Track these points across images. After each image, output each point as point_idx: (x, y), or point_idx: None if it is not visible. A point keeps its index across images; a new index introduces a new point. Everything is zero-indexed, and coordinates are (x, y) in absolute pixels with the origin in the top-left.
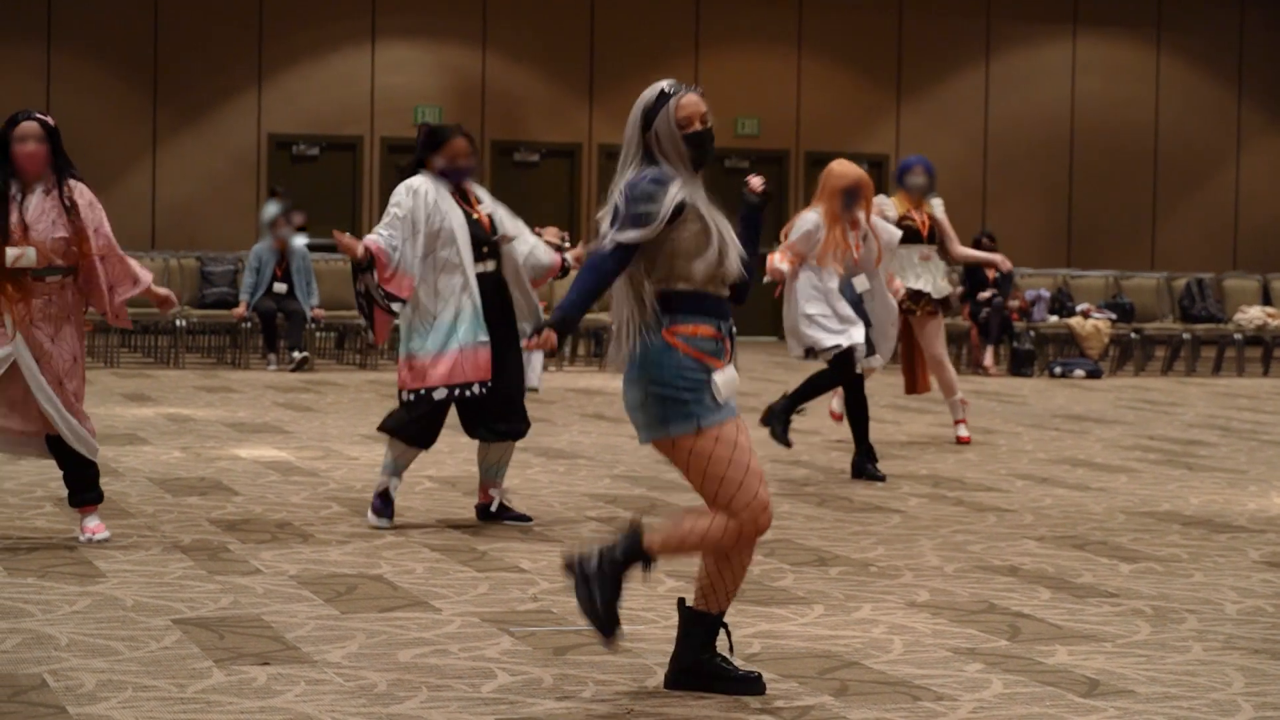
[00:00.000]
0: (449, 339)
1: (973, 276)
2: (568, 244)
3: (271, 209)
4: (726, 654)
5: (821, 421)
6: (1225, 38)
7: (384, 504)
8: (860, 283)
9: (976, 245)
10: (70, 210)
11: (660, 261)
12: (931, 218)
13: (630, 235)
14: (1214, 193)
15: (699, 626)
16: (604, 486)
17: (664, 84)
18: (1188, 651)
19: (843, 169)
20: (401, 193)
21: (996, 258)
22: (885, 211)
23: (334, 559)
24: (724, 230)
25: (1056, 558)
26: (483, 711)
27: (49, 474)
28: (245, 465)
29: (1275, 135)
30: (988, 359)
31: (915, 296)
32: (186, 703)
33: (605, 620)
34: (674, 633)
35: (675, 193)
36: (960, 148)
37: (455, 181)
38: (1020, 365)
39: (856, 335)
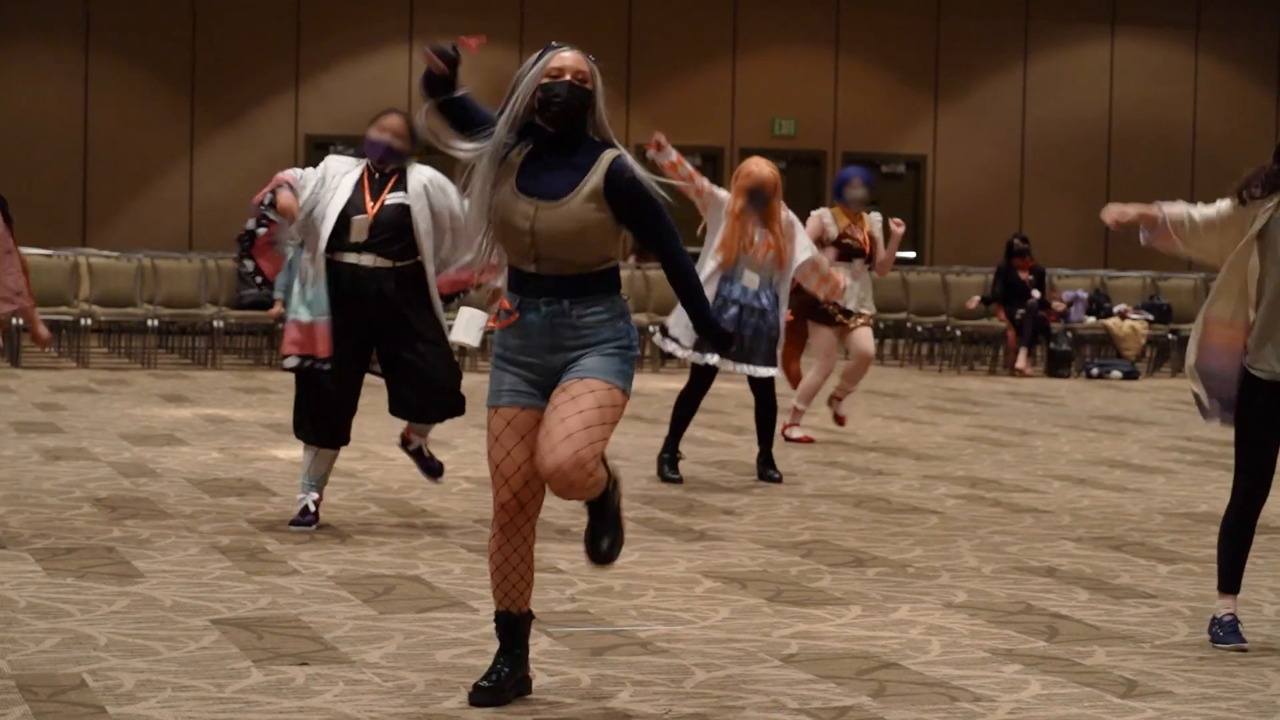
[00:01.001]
0: (299, 308)
1: (1006, 282)
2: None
3: None
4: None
5: (857, 424)
6: (1264, 39)
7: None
8: (750, 280)
9: (1009, 248)
10: None
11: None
12: (871, 235)
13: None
14: None
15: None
16: (640, 488)
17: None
18: (1226, 653)
19: (751, 168)
20: (320, 165)
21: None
22: (827, 227)
23: (372, 559)
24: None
25: (1094, 559)
26: (521, 711)
27: (87, 475)
28: (283, 466)
29: None
30: (1021, 360)
31: (846, 312)
32: (225, 703)
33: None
34: (713, 634)
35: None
36: (997, 149)
37: (372, 157)
38: (1057, 366)
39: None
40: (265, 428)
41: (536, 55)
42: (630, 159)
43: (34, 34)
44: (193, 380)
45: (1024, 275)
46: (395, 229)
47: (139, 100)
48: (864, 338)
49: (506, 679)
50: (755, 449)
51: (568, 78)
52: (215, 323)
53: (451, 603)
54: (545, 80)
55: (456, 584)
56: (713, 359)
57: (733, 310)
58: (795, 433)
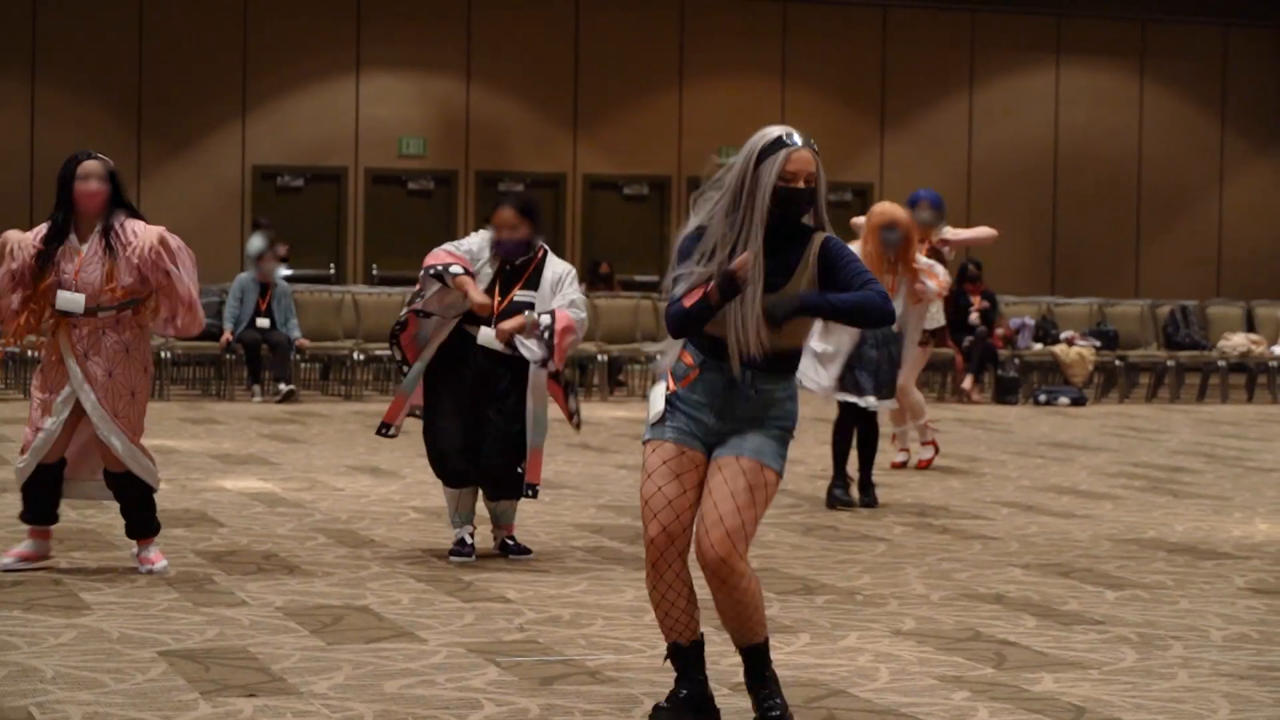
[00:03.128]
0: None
1: (956, 305)
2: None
3: (257, 242)
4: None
5: (806, 451)
6: (1208, 66)
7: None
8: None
9: (963, 274)
10: (113, 252)
11: None
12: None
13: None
14: (1198, 220)
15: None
16: (589, 517)
17: (783, 130)
18: (1174, 678)
19: (882, 208)
20: (452, 245)
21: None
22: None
23: (320, 590)
24: (748, 298)
25: (1042, 585)
26: None
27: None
28: (231, 497)
29: (1258, 163)
30: (967, 383)
31: (931, 332)
32: None
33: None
34: (659, 662)
35: (702, 271)
36: (944, 177)
37: (503, 255)
38: (1005, 393)
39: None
40: (213, 459)
41: (767, 146)
42: (837, 239)
43: None
44: None
45: (975, 300)
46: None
47: (86, 131)
48: (915, 364)
49: (685, 701)
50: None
51: (802, 184)
52: (163, 354)
53: (400, 633)
54: (782, 185)
55: (405, 614)
56: (843, 396)
57: (872, 350)
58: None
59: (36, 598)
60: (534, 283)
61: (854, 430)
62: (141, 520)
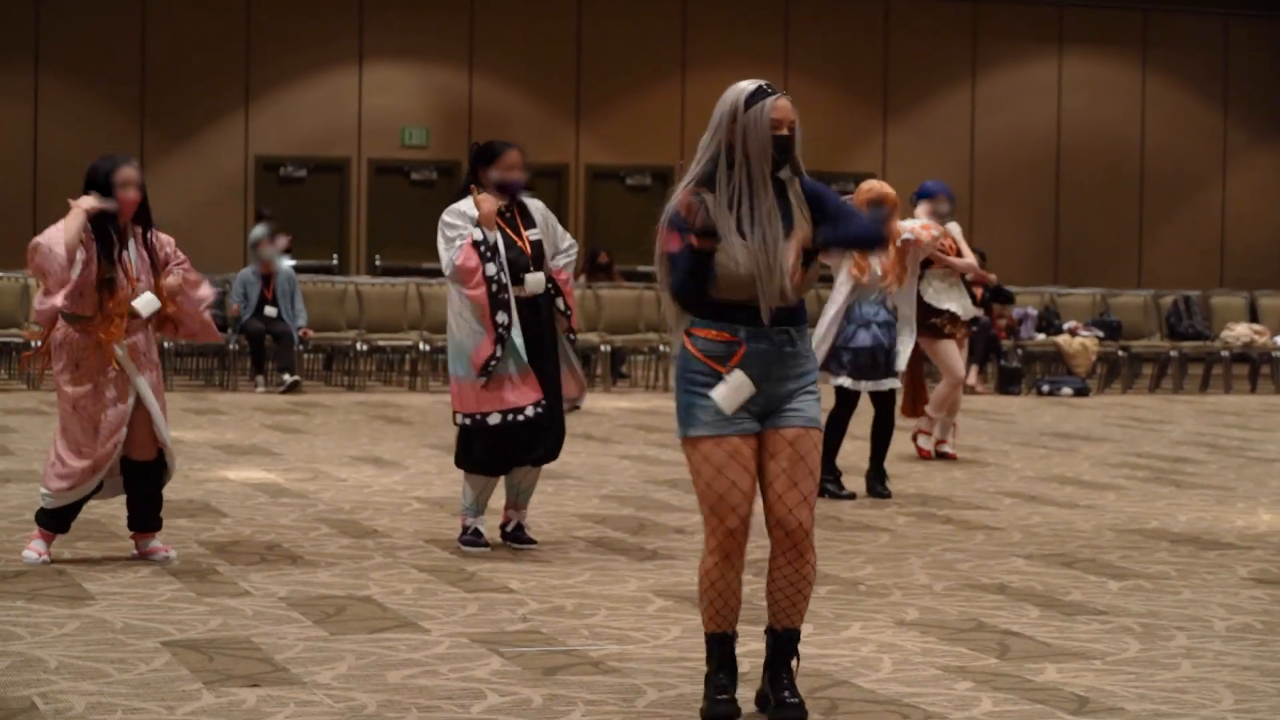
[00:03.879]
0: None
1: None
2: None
3: (259, 231)
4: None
5: None
6: (1210, 56)
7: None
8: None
9: None
10: (154, 256)
11: None
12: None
13: (666, 251)
14: (1200, 210)
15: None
16: (593, 507)
17: (760, 82)
18: (1177, 669)
19: (869, 185)
20: (451, 217)
21: (989, 277)
22: (957, 236)
23: (323, 580)
24: (770, 245)
25: (1045, 575)
26: None
27: (35, 499)
28: (234, 487)
29: (1261, 152)
30: (972, 377)
31: (952, 318)
32: None
33: (710, 705)
34: (665, 653)
35: (699, 221)
36: (946, 167)
37: (510, 194)
38: (1008, 383)
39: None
40: (216, 449)
41: (750, 97)
42: (809, 179)
43: None
44: None
45: (978, 291)
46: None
47: (88, 123)
48: (956, 355)
49: (730, 687)
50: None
51: (787, 130)
52: (166, 344)
53: (403, 623)
54: (773, 134)
55: (408, 604)
56: (841, 381)
57: (863, 332)
58: (925, 442)
59: (40, 588)
60: (531, 221)
61: (848, 418)
62: (152, 511)
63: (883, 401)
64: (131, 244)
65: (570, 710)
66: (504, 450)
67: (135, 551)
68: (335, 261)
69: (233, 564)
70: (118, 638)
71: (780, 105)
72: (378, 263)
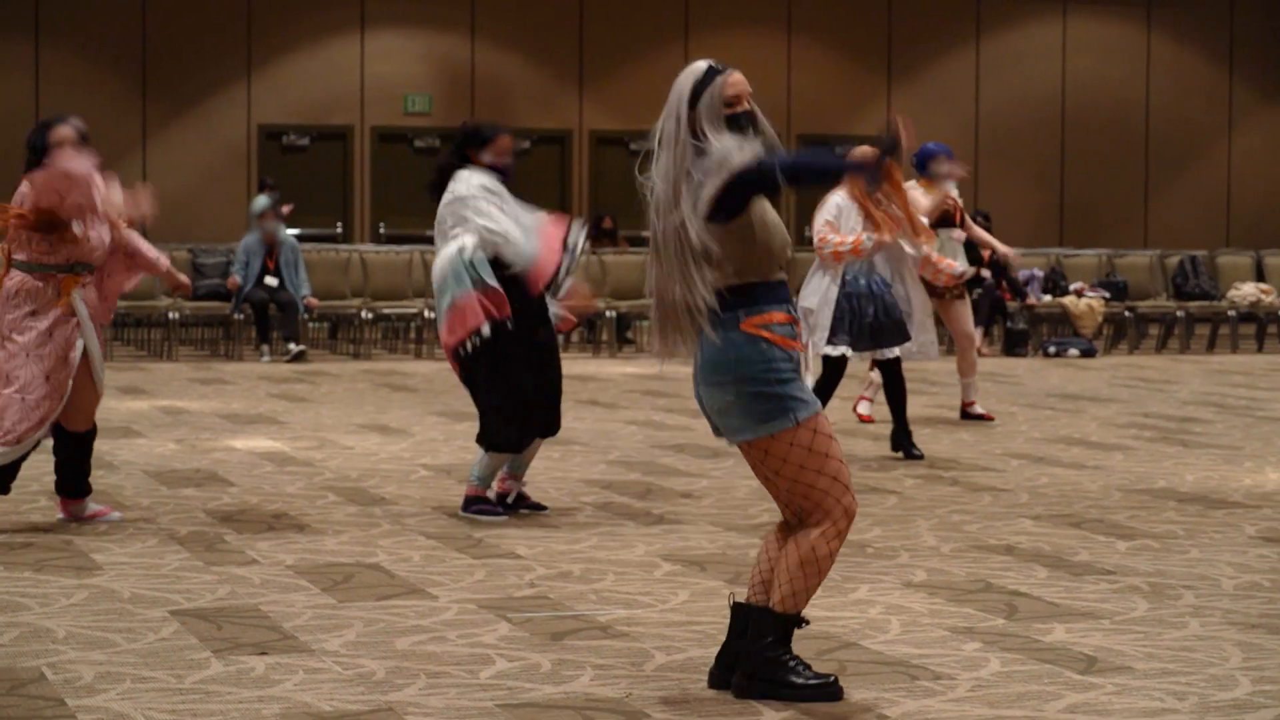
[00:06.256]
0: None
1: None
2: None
3: (262, 201)
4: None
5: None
6: (1215, 15)
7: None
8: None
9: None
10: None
11: (735, 253)
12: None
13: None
14: (1206, 170)
15: (778, 628)
16: (599, 472)
17: (709, 61)
18: (1185, 627)
19: (862, 150)
20: (473, 190)
21: (999, 246)
22: (919, 198)
23: (330, 548)
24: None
25: (1053, 536)
26: (481, 698)
27: (44, 468)
28: (240, 456)
29: (1266, 112)
30: (978, 339)
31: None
32: (185, 693)
33: (825, 688)
34: (672, 617)
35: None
36: (952, 129)
37: (504, 178)
38: (1014, 345)
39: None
40: (222, 418)
41: (699, 81)
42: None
43: None
44: (149, 372)
45: (986, 254)
46: None
47: (91, 92)
48: (963, 317)
49: None
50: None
51: (745, 105)
52: (171, 314)
53: (411, 590)
54: (729, 113)
55: (415, 571)
56: (841, 350)
57: (866, 302)
58: (979, 409)
59: (47, 559)
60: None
61: (835, 387)
62: (84, 476)
63: (889, 367)
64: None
65: (579, 675)
66: (534, 424)
67: (62, 515)
68: (339, 230)
69: (240, 533)
70: (126, 607)
71: (733, 82)
72: (382, 230)
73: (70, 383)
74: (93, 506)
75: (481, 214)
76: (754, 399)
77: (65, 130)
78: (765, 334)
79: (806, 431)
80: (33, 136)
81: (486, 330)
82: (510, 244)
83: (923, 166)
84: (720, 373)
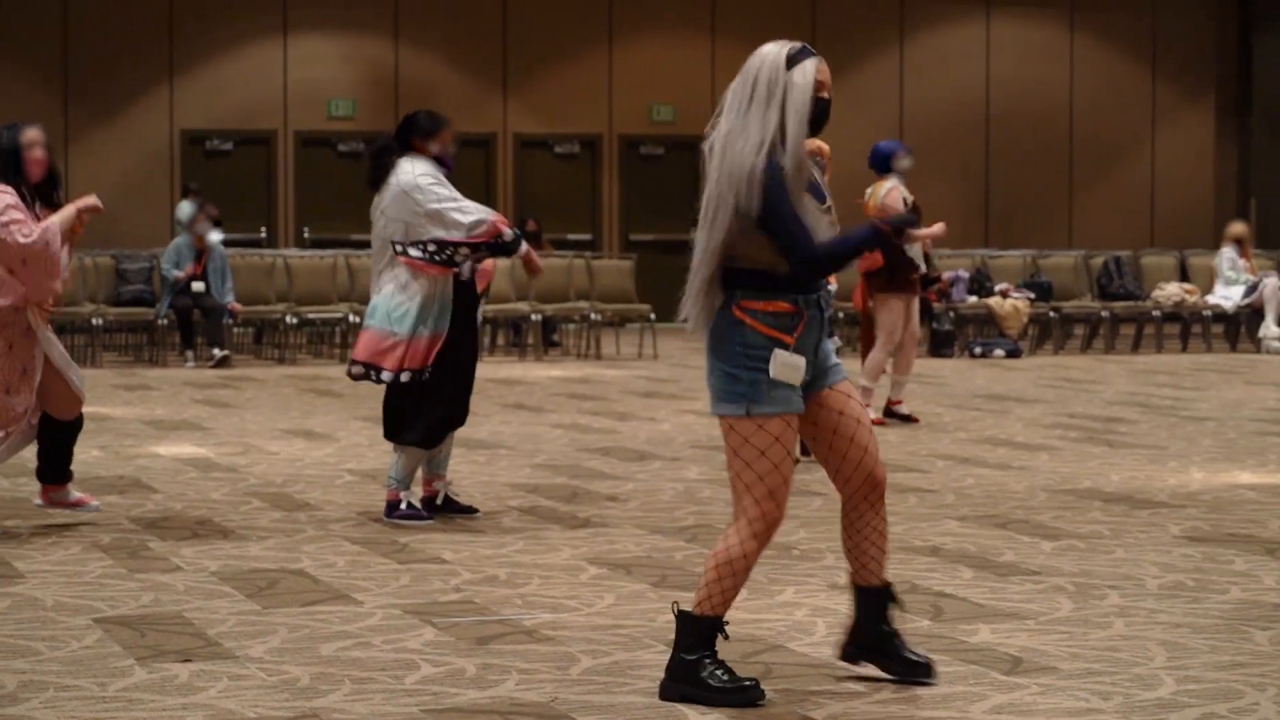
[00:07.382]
0: (419, 325)
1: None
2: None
3: (187, 208)
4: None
5: None
6: (1138, 17)
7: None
8: None
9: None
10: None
11: (752, 243)
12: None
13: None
14: (1130, 171)
15: (696, 630)
16: (525, 476)
17: (797, 44)
18: (1110, 627)
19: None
20: (419, 180)
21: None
22: (896, 200)
23: (255, 554)
24: (830, 211)
25: (978, 537)
26: (406, 703)
27: None
28: (164, 463)
29: (1189, 113)
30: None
31: (924, 279)
32: (108, 701)
33: (741, 692)
34: (598, 620)
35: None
36: (876, 131)
37: (447, 171)
38: (940, 346)
39: None
40: (146, 425)
41: (794, 54)
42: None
43: None
44: None
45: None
46: None
47: (10, 99)
48: (915, 316)
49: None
50: (639, 434)
51: (827, 94)
52: (94, 320)
53: (335, 596)
54: (817, 96)
55: (340, 577)
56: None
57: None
58: (905, 409)
59: None
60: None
61: None
62: (65, 463)
63: None
64: (38, 206)
65: (504, 679)
66: (447, 419)
67: (41, 502)
68: (264, 234)
69: (164, 539)
70: (49, 615)
71: (824, 68)
72: (306, 235)
73: (33, 394)
74: (75, 494)
75: (437, 199)
76: (723, 377)
77: (34, 133)
78: (749, 320)
79: (751, 425)
80: (2, 138)
81: (405, 378)
82: (468, 210)
83: (885, 165)
84: (710, 344)
